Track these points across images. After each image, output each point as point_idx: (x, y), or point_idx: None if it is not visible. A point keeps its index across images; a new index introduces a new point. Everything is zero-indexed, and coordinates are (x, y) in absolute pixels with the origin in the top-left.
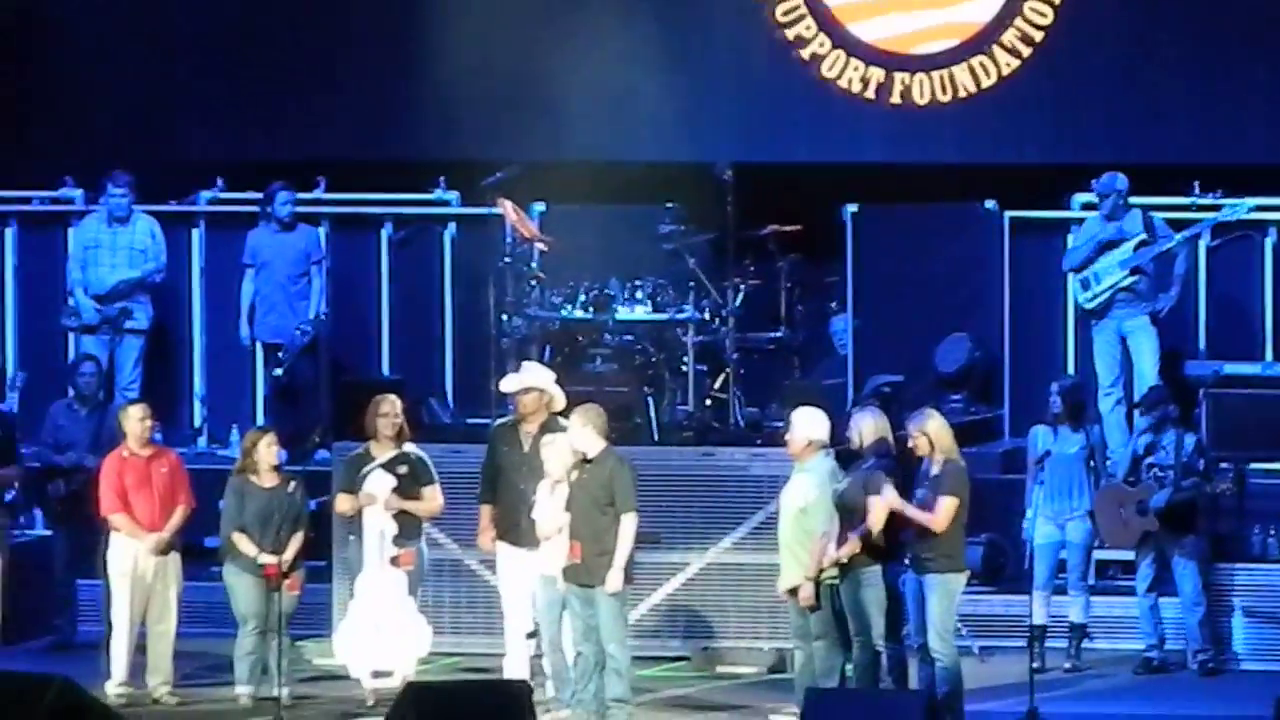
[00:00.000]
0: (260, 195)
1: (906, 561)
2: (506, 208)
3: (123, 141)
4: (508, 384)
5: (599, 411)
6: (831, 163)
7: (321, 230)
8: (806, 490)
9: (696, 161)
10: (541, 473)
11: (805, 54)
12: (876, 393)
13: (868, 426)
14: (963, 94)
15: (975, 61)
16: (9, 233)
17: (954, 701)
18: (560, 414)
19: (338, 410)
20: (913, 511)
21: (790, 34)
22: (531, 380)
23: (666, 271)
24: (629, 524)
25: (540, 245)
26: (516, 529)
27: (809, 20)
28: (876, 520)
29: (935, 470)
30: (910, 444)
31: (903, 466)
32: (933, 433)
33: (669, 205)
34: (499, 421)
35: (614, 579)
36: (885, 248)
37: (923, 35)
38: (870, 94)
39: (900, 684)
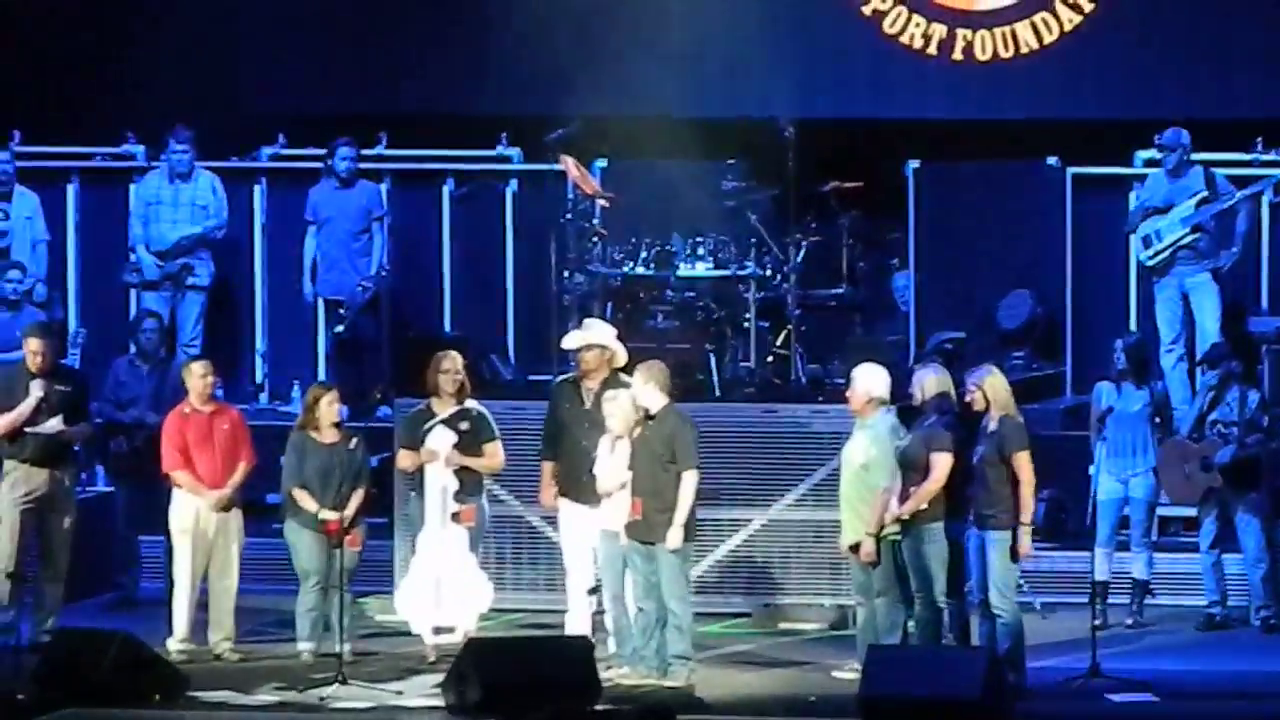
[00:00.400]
0: (322, 151)
1: (970, 518)
2: (568, 164)
3: (184, 97)
4: (570, 341)
5: (662, 368)
6: (894, 119)
7: (383, 186)
8: (867, 446)
9: (759, 117)
10: (603, 429)
11: (867, 10)
12: (938, 349)
13: (930, 382)
14: (1025, 50)
15: (1038, 17)
16: (71, 189)
17: (1016, 657)
18: (622, 370)
19: (399, 367)
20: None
21: None
22: (594, 337)
23: (728, 228)
24: (690, 481)
25: (602, 201)
26: (578, 485)
27: None
28: (940, 477)
29: (992, 426)
30: (968, 399)
31: (964, 422)
32: (989, 388)
33: (731, 161)
34: (560, 378)
35: (674, 536)
36: (947, 204)
37: None
38: (932, 50)
39: (962, 640)
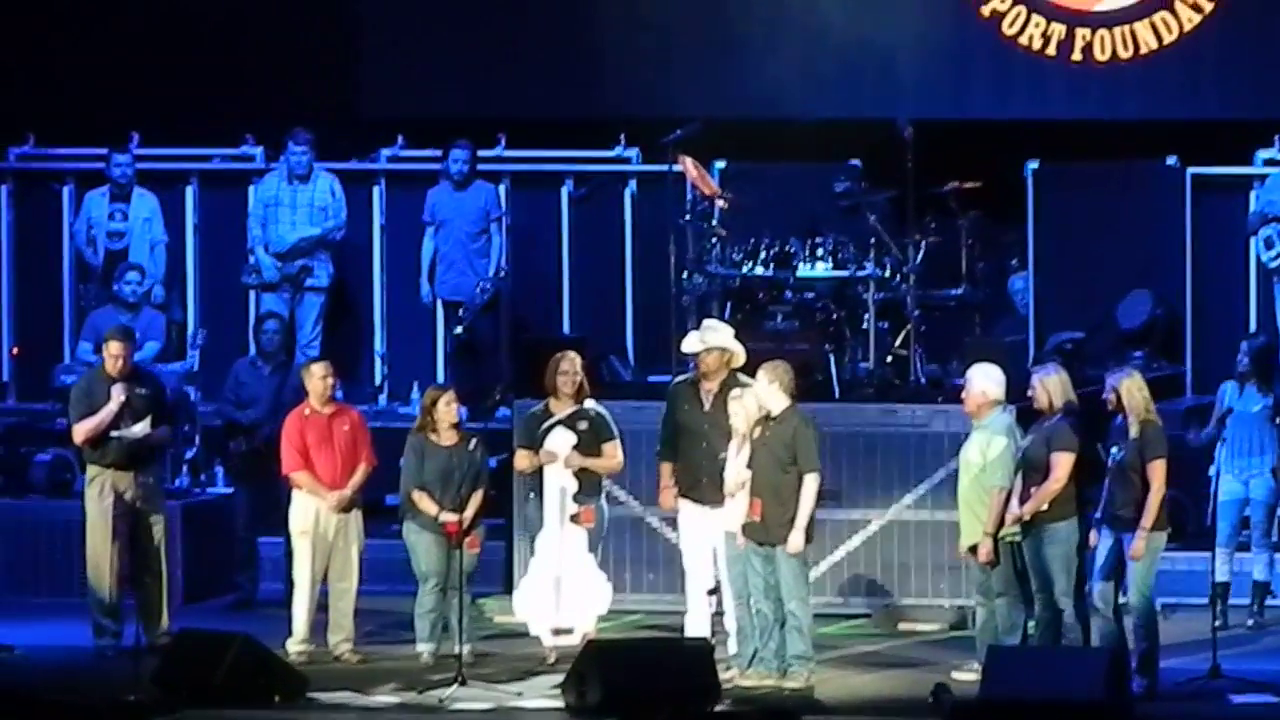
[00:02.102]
0: (440, 153)
1: (1097, 518)
2: (687, 164)
3: (303, 99)
4: (690, 344)
5: (786, 369)
6: (1013, 119)
7: (502, 187)
8: (984, 447)
9: (878, 118)
10: (721, 430)
11: (986, 10)
12: (1058, 349)
13: (1053, 383)
14: (1144, 50)
15: (1157, 17)
16: (189, 191)
17: (1151, 660)
18: (740, 371)
19: (518, 368)
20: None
21: None
22: (714, 340)
23: (847, 228)
24: (811, 484)
25: (721, 202)
26: (698, 486)
27: None
28: (1061, 476)
29: (1134, 432)
30: (1104, 396)
31: (1088, 423)
32: (1123, 390)
33: (853, 163)
34: (679, 379)
35: (795, 540)
36: (1066, 204)
37: None
38: (1051, 50)
39: (1083, 642)
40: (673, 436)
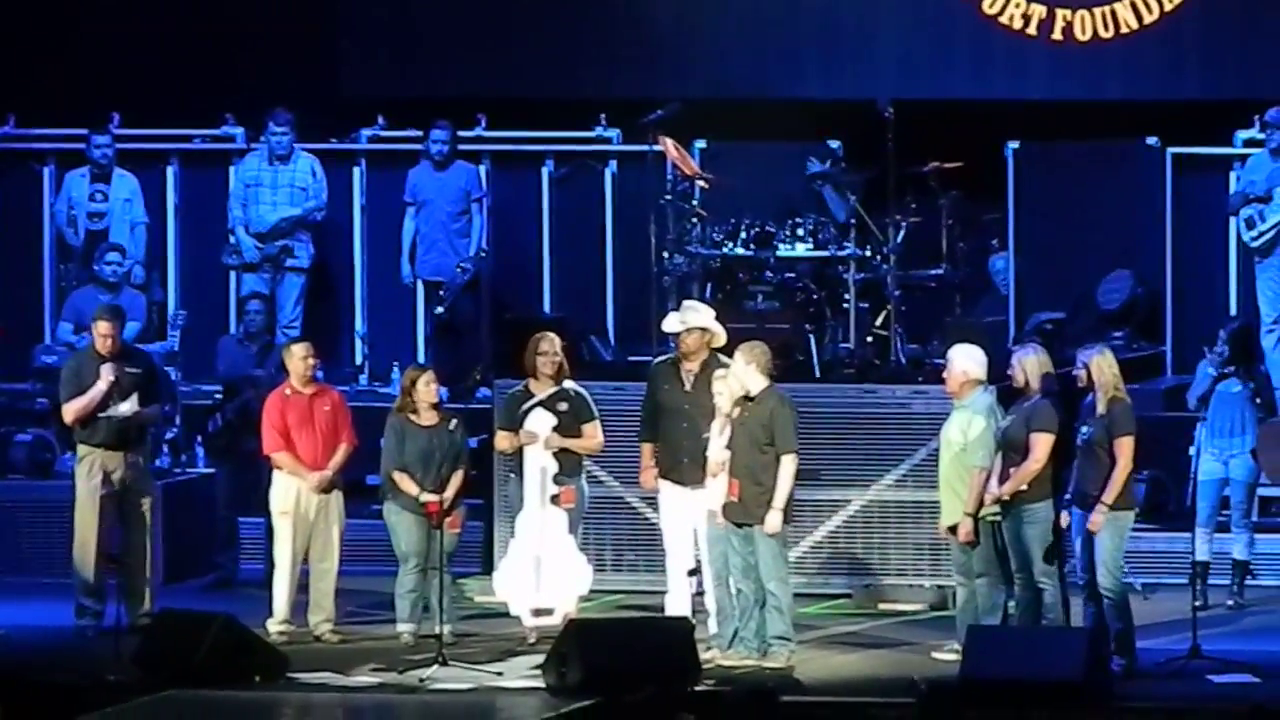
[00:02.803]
0: (420, 133)
1: (1068, 497)
2: (667, 145)
3: (283, 79)
4: (670, 324)
5: (764, 349)
6: (993, 99)
7: (482, 168)
8: (965, 427)
9: (858, 98)
10: (702, 410)
11: None
12: (1038, 329)
13: (1031, 363)
14: (1125, 29)
15: None
16: (170, 171)
17: (1126, 638)
18: (721, 350)
19: (499, 348)
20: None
21: None
22: (695, 320)
23: (825, 209)
24: (788, 464)
25: (701, 182)
26: (678, 467)
27: None
28: (1041, 457)
29: (1100, 409)
30: (1074, 373)
31: (1065, 402)
32: (1094, 367)
33: (826, 144)
34: (659, 359)
35: (772, 520)
36: (1047, 184)
37: None
38: (1032, 30)
39: (1063, 621)
40: (653, 417)
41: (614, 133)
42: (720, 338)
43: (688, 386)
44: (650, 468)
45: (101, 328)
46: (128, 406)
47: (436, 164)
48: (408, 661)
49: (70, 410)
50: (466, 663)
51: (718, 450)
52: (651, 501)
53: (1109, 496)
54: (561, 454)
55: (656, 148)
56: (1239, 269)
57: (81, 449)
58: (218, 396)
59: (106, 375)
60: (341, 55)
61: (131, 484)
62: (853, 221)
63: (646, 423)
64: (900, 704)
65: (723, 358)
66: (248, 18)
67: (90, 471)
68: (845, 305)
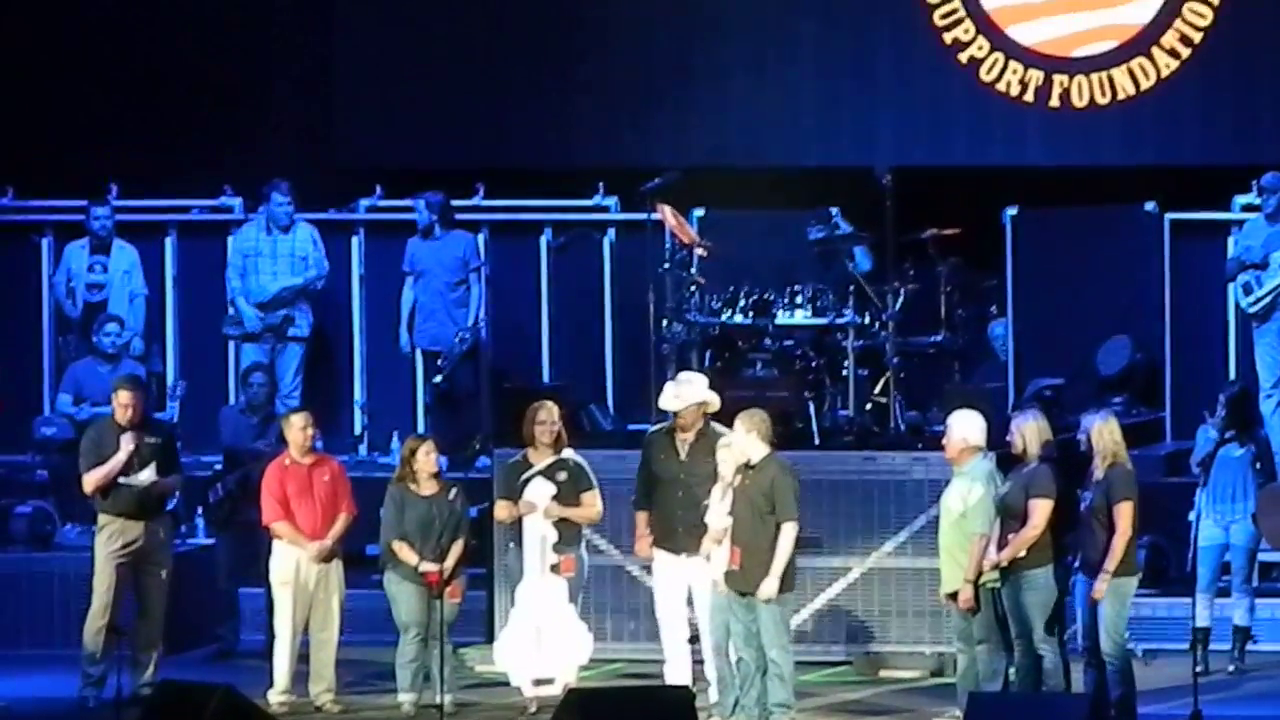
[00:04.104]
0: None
1: (1075, 564)
2: (665, 213)
3: (281, 149)
4: (667, 402)
5: (763, 417)
6: (991, 166)
7: (480, 237)
8: (965, 494)
9: (856, 165)
10: (697, 478)
11: (964, 57)
12: (1038, 396)
13: (1030, 430)
14: (1122, 95)
15: (1134, 63)
16: (169, 242)
17: (1128, 704)
18: (716, 417)
19: (498, 417)
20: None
21: (949, 37)
22: (691, 396)
23: (826, 276)
24: (788, 532)
25: (700, 250)
26: (673, 535)
27: (968, 23)
28: (1039, 523)
29: (1098, 475)
30: (1077, 438)
31: (1066, 469)
32: (1094, 434)
33: (825, 210)
34: (654, 428)
35: (768, 586)
36: (1045, 250)
37: (1081, 38)
38: (1029, 97)
39: (1064, 687)
40: (648, 486)
41: (612, 201)
42: (714, 404)
43: (683, 455)
44: (645, 536)
45: (122, 397)
46: (147, 475)
47: (423, 233)
48: None
49: (90, 480)
50: None
51: (719, 518)
52: (651, 569)
53: (1110, 564)
54: (561, 523)
55: (655, 216)
56: (1237, 334)
57: (102, 518)
58: (218, 467)
59: (126, 445)
60: (339, 125)
61: (150, 554)
62: (851, 288)
63: (641, 491)
64: None
65: (716, 425)
66: (245, 89)
67: (110, 539)
68: (844, 372)
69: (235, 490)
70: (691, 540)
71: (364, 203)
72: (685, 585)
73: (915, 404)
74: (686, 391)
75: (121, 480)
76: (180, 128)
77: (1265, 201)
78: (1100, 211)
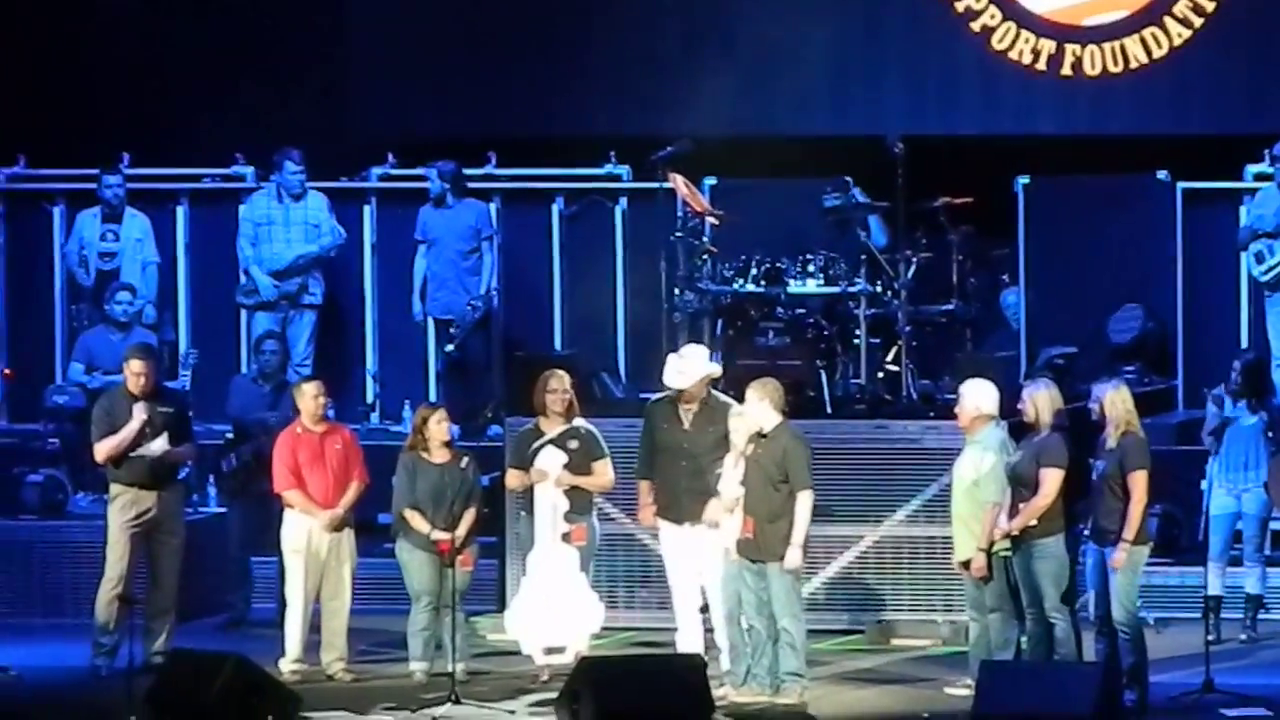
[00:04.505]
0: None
1: (1086, 532)
2: (678, 182)
3: (293, 118)
4: (671, 379)
5: (776, 386)
6: (1003, 135)
7: (492, 206)
8: (977, 462)
9: (868, 134)
10: (701, 447)
11: (976, 26)
12: (1049, 364)
13: (1042, 398)
14: (1134, 64)
15: (1146, 32)
16: (180, 211)
17: (1140, 673)
18: (726, 387)
19: (510, 386)
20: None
21: (960, 6)
22: (694, 371)
23: (838, 245)
24: (804, 501)
25: (711, 219)
26: (676, 505)
27: None
28: (1050, 492)
29: (1111, 443)
30: (1088, 407)
31: (1078, 437)
32: (1107, 403)
33: (841, 179)
34: (657, 397)
35: (792, 556)
36: (1057, 219)
37: (1093, 6)
38: (1041, 66)
39: (1076, 656)
40: (651, 455)
41: (624, 170)
42: (716, 373)
43: (686, 425)
44: (648, 505)
45: (135, 366)
46: (159, 445)
47: (434, 202)
48: (421, 700)
49: (102, 450)
50: (479, 701)
51: (731, 487)
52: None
53: (1129, 533)
54: (572, 491)
55: (667, 185)
56: (1250, 303)
57: (115, 487)
58: (229, 436)
59: (139, 415)
60: (351, 94)
61: (163, 523)
62: (863, 256)
63: (644, 460)
64: None
65: (718, 394)
66: (256, 58)
67: (123, 509)
68: (856, 341)
69: (251, 461)
70: (694, 509)
71: (376, 171)
72: (693, 554)
73: (927, 373)
74: (689, 366)
75: (134, 452)
76: (192, 96)
77: (1277, 170)
78: (1112, 180)
